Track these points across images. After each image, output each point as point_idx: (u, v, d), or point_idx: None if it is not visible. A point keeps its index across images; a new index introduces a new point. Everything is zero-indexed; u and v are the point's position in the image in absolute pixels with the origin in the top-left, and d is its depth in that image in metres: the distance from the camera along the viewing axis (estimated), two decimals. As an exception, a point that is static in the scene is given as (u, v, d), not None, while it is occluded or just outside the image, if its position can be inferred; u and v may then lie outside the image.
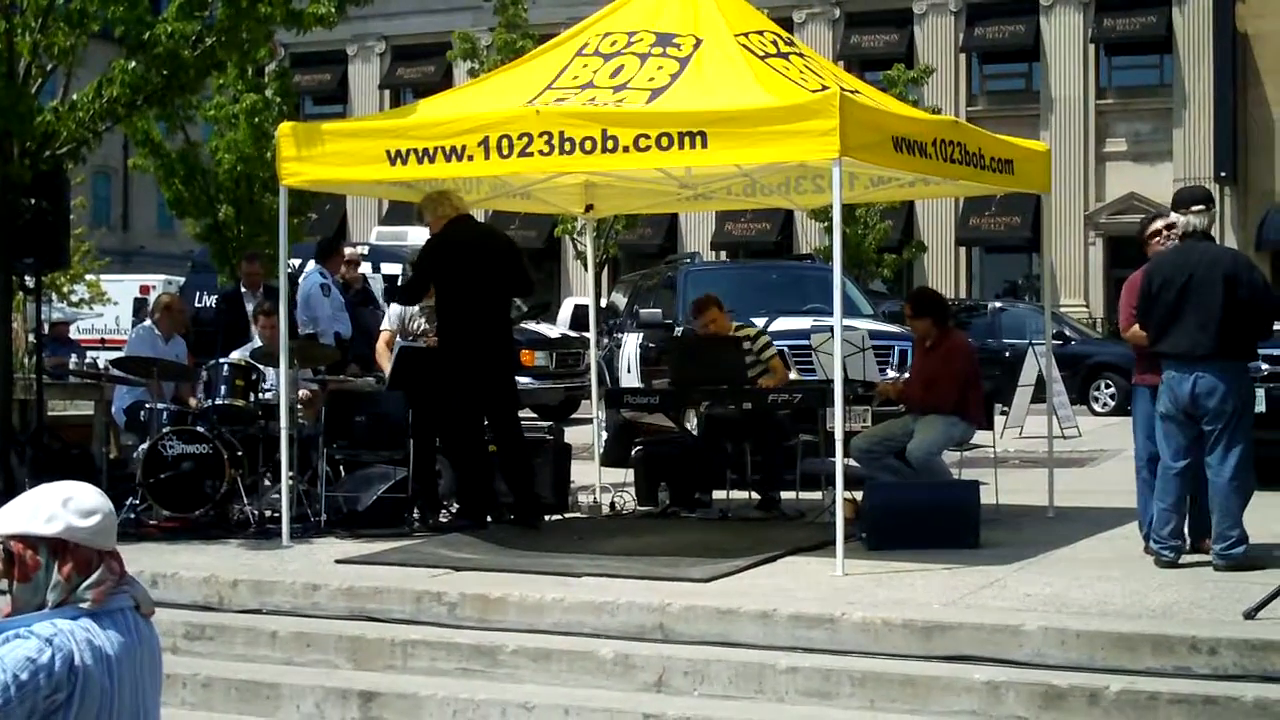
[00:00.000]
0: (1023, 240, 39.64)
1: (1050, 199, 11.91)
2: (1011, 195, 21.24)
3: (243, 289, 14.31)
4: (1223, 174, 36.55)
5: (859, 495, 9.92)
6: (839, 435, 8.83)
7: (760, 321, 12.61)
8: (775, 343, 12.19)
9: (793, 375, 12.55)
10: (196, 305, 20.62)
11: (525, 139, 9.32)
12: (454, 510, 11.18)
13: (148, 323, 13.65)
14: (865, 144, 8.97)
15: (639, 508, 11.88)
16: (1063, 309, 34.33)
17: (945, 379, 10.73)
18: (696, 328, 12.12)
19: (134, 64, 11.14)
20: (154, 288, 32.28)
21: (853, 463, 10.37)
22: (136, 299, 32.40)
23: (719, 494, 11.78)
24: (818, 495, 11.49)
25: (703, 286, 16.57)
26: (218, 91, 18.82)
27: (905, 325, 13.78)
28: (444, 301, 10.75)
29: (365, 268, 18.06)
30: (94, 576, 3.51)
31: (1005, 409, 19.27)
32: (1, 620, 3.48)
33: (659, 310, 16.42)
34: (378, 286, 18.53)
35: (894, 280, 35.87)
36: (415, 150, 9.67)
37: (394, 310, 11.84)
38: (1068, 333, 28.37)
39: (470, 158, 9.51)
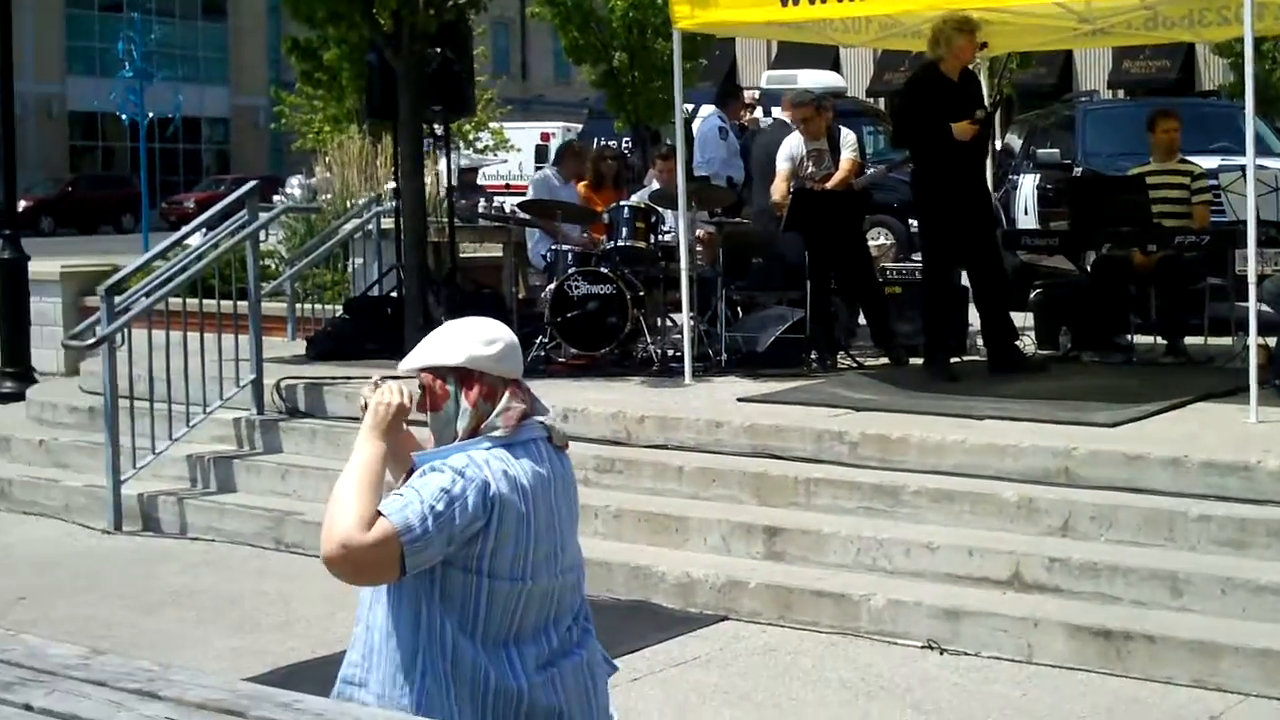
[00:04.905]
0: None
1: None
2: None
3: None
4: None
5: (1271, 341, 9.56)
6: (1251, 278, 8.50)
7: (1205, 162, 12.03)
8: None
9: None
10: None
11: (911, -26, 9.16)
12: (850, 352, 11.25)
13: (546, 170, 14.06)
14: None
15: (1039, 351, 11.69)
16: None
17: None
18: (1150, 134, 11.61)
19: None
20: (554, 135, 33.03)
21: (1265, 307, 9.96)
22: (538, 145, 33.17)
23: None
24: (1226, 341, 11.10)
25: (1101, 125, 16.12)
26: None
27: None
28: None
29: (756, 111, 18.08)
30: (500, 404, 3.58)
31: None
32: (420, 454, 3.58)
33: (1056, 150, 15.99)
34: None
35: (1305, 118, 34.01)
36: (806, -10, 9.61)
37: (785, 151, 11.80)
38: None
39: (859, -3, 9.43)
